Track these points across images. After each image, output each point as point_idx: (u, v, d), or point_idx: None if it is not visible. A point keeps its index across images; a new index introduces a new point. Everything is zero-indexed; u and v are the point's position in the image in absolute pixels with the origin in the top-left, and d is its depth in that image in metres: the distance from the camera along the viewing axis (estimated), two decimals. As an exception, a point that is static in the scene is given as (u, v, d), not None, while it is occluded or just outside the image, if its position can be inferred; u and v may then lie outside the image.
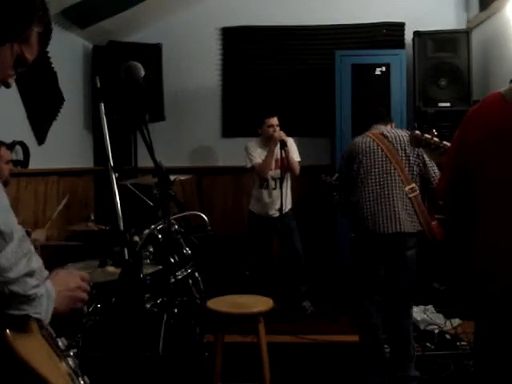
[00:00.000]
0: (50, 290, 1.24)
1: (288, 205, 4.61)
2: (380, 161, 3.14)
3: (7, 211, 1.13)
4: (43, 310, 1.19)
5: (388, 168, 3.12)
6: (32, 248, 1.18)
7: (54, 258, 3.63)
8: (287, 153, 4.40)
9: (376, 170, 3.13)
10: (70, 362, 1.39)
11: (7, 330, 1.14)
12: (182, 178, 4.03)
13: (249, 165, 4.58)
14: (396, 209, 3.04)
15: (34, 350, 1.21)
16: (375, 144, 3.18)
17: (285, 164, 4.40)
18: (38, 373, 1.16)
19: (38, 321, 1.21)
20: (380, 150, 3.15)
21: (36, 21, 1.21)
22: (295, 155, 4.59)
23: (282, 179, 4.45)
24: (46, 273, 1.24)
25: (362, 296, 3.20)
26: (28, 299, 1.14)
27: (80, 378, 1.40)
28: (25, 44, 1.21)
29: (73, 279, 1.37)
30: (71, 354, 1.40)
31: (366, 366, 3.15)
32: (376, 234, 3.08)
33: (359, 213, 3.14)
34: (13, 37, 1.18)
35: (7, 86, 1.25)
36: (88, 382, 1.44)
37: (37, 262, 1.17)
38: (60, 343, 1.38)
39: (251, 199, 4.74)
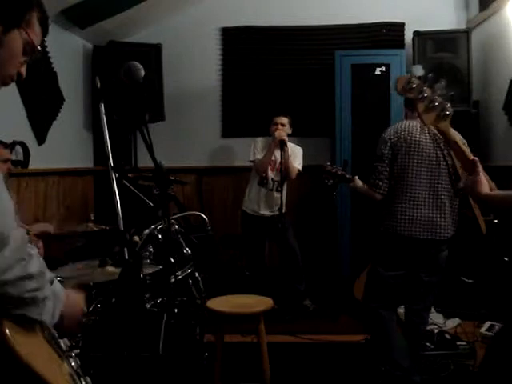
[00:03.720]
0: (57, 293, 1.23)
1: (283, 209, 4.61)
2: (430, 152, 2.87)
3: (4, 214, 1.12)
4: (46, 312, 1.19)
5: (439, 161, 2.88)
6: (32, 252, 1.17)
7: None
8: (286, 153, 4.42)
9: (426, 162, 2.87)
10: (72, 362, 1.39)
11: (7, 330, 1.13)
12: (183, 183, 4.01)
13: (251, 158, 4.65)
14: (445, 213, 2.87)
15: (34, 350, 1.20)
16: (425, 131, 2.89)
17: (284, 165, 4.41)
18: (37, 373, 1.15)
19: (41, 322, 1.21)
20: (430, 138, 2.89)
21: (35, 4, 1.23)
22: (297, 163, 4.60)
23: (281, 183, 4.47)
24: (50, 275, 1.23)
25: (378, 303, 3.03)
26: (25, 301, 1.13)
27: (82, 379, 1.40)
28: (29, 28, 1.22)
29: (82, 301, 1.39)
30: (73, 354, 1.40)
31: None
32: (412, 239, 2.89)
33: (397, 211, 2.91)
34: (19, 21, 1.19)
35: (21, 76, 1.25)
36: (90, 382, 1.44)
37: (37, 266, 1.16)
38: (62, 344, 1.38)
39: (244, 197, 4.74)
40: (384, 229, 3.01)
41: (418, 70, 1.77)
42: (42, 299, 1.17)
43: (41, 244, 2.49)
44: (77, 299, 1.38)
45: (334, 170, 3.18)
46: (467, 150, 1.88)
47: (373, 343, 3.30)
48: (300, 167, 4.63)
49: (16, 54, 1.21)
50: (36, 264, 1.16)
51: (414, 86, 1.74)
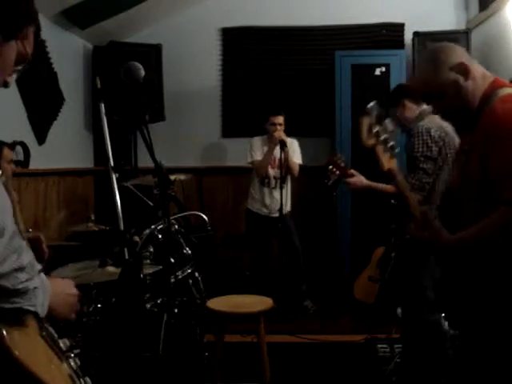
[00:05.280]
0: (45, 284, 1.23)
1: (287, 207, 4.62)
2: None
3: (1, 209, 1.13)
4: (38, 303, 1.19)
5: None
6: (23, 243, 1.18)
7: (54, 257, 3.63)
8: (286, 153, 4.43)
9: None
10: (72, 363, 1.38)
11: (3, 331, 1.13)
12: (182, 177, 4.04)
13: (249, 159, 4.64)
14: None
15: (31, 351, 1.20)
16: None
17: (284, 164, 4.42)
18: (34, 374, 1.15)
19: (35, 316, 1.21)
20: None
21: (33, 17, 1.25)
22: (296, 157, 4.61)
23: (282, 179, 4.47)
24: (39, 266, 1.24)
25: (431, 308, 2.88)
26: (18, 293, 1.14)
27: (81, 379, 1.39)
28: (26, 40, 1.24)
29: (70, 286, 1.39)
30: (72, 355, 1.40)
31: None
32: None
33: None
34: (16, 33, 1.21)
35: (7, 85, 1.26)
36: (89, 383, 1.44)
37: (27, 257, 1.17)
38: (61, 344, 1.38)
39: (249, 197, 4.76)
40: None
41: (376, 107, 1.73)
42: (33, 289, 1.17)
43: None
44: (64, 285, 1.37)
45: (341, 164, 3.03)
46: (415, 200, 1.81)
47: None
48: (300, 161, 4.65)
49: (9, 64, 1.23)
50: (27, 255, 1.17)
51: (376, 130, 1.71)
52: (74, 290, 1.39)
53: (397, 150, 1.77)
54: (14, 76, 1.28)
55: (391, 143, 1.74)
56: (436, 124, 2.84)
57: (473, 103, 1.72)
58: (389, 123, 1.78)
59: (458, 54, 1.77)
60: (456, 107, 1.75)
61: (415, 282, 2.90)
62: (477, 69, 1.76)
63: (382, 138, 1.72)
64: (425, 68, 1.80)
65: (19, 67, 1.27)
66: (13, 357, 1.13)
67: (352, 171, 3.02)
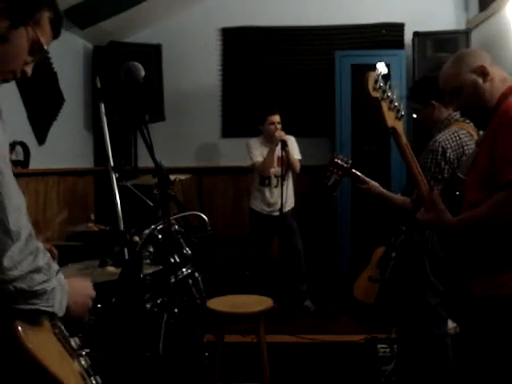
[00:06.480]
0: (63, 283, 1.25)
1: (289, 204, 4.63)
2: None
3: (18, 211, 1.15)
4: (56, 303, 1.21)
5: None
6: (39, 245, 1.19)
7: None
8: (288, 152, 4.43)
9: None
10: (83, 361, 1.39)
11: (19, 327, 1.15)
12: (182, 177, 4.05)
13: (250, 162, 4.62)
14: None
15: (45, 347, 1.22)
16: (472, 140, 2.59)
17: (285, 162, 4.43)
18: (48, 370, 1.17)
19: (51, 315, 1.23)
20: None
21: (46, 4, 1.24)
22: (295, 153, 4.62)
23: (283, 177, 4.47)
24: (56, 267, 1.25)
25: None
26: (36, 294, 1.15)
27: (92, 378, 1.40)
28: (38, 27, 1.22)
29: (87, 287, 1.40)
30: (83, 353, 1.40)
31: None
32: None
33: None
34: (26, 19, 1.19)
35: (25, 74, 1.26)
36: (100, 381, 1.44)
37: (44, 259, 1.19)
38: (73, 343, 1.39)
39: (251, 197, 4.76)
40: None
41: (384, 68, 1.79)
42: (51, 290, 1.19)
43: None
44: (82, 285, 1.39)
45: (344, 164, 2.88)
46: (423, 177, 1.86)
47: None
48: (299, 156, 4.66)
49: (21, 51, 1.22)
50: (43, 257, 1.19)
51: (381, 85, 1.76)
52: (91, 291, 1.40)
53: (402, 113, 1.81)
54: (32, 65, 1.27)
55: (396, 104, 1.78)
56: (457, 140, 2.59)
57: (490, 103, 1.84)
58: (394, 86, 1.83)
59: (481, 58, 1.91)
60: (472, 105, 1.88)
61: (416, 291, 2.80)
62: (497, 72, 1.89)
63: (386, 95, 1.77)
64: (449, 67, 1.94)
65: (35, 57, 1.26)
66: (27, 352, 1.15)
67: (365, 179, 2.85)
